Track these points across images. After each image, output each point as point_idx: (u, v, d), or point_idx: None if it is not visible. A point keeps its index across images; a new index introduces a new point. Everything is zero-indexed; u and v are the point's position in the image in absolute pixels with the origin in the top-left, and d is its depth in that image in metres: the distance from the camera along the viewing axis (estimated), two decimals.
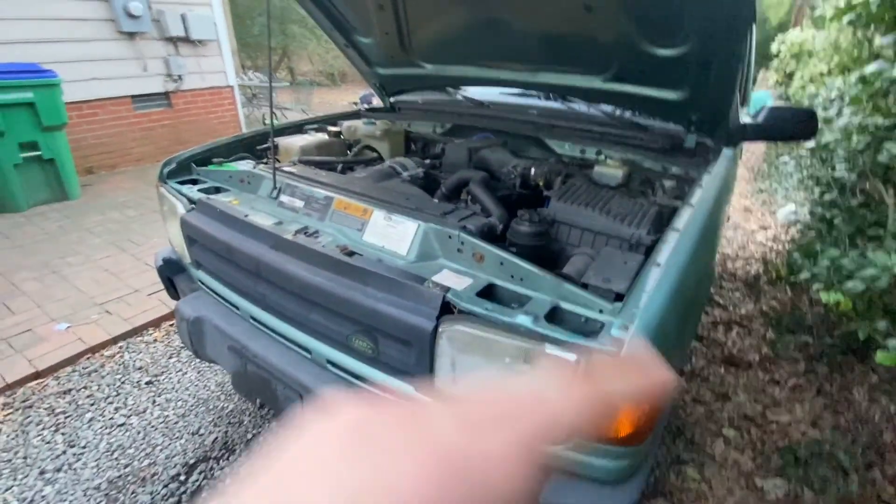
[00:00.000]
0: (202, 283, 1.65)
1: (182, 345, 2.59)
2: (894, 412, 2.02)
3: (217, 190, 1.76)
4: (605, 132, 1.98)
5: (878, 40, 2.21)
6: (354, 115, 2.67)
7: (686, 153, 1.83)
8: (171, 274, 1.80)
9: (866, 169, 2.30)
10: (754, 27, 2.65)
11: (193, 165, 1.89)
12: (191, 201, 1.63)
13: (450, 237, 1.18)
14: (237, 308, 1.49)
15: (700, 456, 2.02)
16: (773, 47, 9.05)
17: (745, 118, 2.10)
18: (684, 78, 1.62)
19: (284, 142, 1.98)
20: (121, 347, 2.59)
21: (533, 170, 1.77)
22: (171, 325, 2.78)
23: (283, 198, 1.51)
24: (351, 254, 1.21)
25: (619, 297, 0.99)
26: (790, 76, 7.88)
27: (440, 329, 0.99)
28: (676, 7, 1.38)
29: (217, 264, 1.50)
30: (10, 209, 4.18)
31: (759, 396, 2.37)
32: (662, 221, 1.37)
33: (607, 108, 2.06)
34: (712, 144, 1.81)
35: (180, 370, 2.45)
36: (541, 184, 1.75)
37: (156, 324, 2.77)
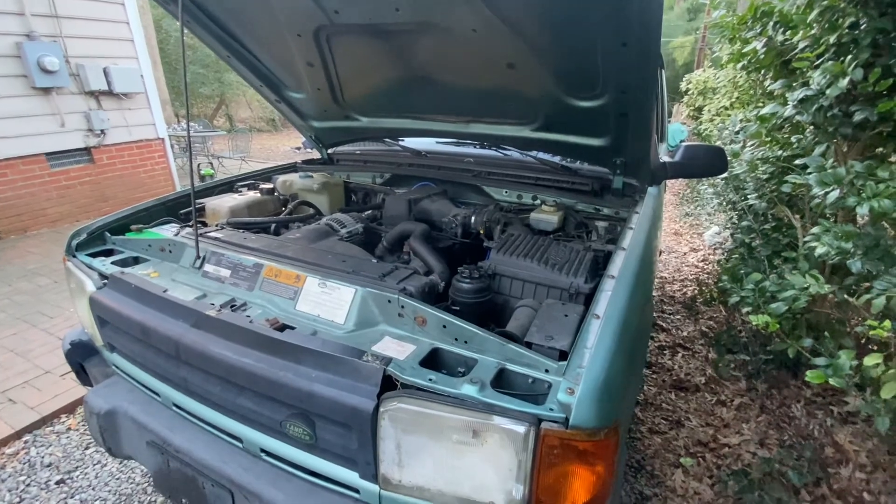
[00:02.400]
0: (116, 368, 1.47)
1: None
2: (831, 425, 2.13)
3: (135, 261, 1.62)
4: (538, 177, 2.05)
5: (768, 83, 2.48)
6: (290, 167, 2.60)
7: (615, 194, 1.92)
8: (82, 358, 1.60)
9: (773, 197, 2.52)
10: (663, 71, 2.91)
11: (108, 234, 1.73)
12: (102, 276, 1.47)
13: (389, 301, 1.13)
14: (157, 395, 1.33)
15: (662, 490, 2.01)
16: (682, 85, 10.08)
17: (664, 156, 2.25)
18: (606, 126, 1.71)
19: (211, 203, 1.87)
20: (26, 442, 2.25)
21: (473, 218, 1.78)
22: None
23: (208, 267, 1.40)
24: (283, 328, 1.12)
25: (563, 355, 0.97)
26: (699, 110, 8.73)
27: (381, 408, 0.91)
28: (591, 65, 1.46)
29: (133, 347, 1.35)
30: None
31: (709, 419, 2.43)
32: (598, 266, 1.40)
33: (539, 153, 2.14)
34: (637, 184, 1.91)
35: (98, 462, 2.15)
36: (481, 232, 1.76)
37: (69, 409, 2.45)
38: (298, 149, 14.65)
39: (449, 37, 1.53)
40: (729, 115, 6.20)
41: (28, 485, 2.02)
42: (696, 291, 3.94)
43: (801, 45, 2.07)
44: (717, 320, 3.43)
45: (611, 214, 1.82)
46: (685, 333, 3.29)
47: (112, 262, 1.56)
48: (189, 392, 1.23)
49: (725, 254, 3.88)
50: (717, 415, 2.45)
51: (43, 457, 2.17)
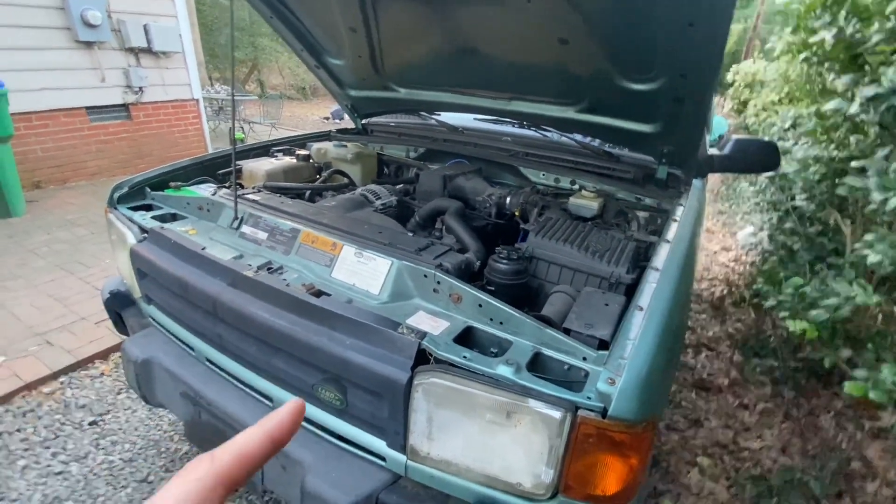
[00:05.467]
0: (153, 320, 1.51)
1: None
2: (861, 439, 2.06)
3: (173, 217, 1.64)
4: (578, 161, 1.99)
5: (831, 78, 2.33)
6: (324, 136, 2.59)
7: (658, 184, 1.85)
8: (120, 308, 1.65)
9: (823, 199, 2.39)
10: None
11: (148, 190, 1.76)
12: (143, 230, 1.50)
13: (425, 276, 1.12)
14: (191, 349, 1.37)
15: (676, 487, 2.00)
16: (729, 76, 9.59)
17: (710, 149, 2.15)
18: (657, 112, 1.63)
19: (249, 166, 1.87)
20: (62, 383, 2.36)
21: (509, 199, 1.74)
22: (121, 358, 2.57)
23: (245, 228, 1.41)
24: (318, 293, 1.13)
25: (602, 344, 0.95)
26: (745, 104, 8.33)
27: (415, 381, 0.91)
28: (650, 45, 1.39)
29: (170, 301, 1.38)
30: None
31: (729, 422, 2.39)
32: (640, 257, 1.35)
33: (580, 137, 2.07)
34: (682, 176, 1.84)
35: (129, 408, 2.25)
36: (517, 214, 1.72)
37: (103, 356, 2.56)
38: (327, 118, 14.67)
39: (501, 6, 1.47)
40: (777, 111, 5.90)
41: (63, 423, 2.13)
42: (724, 292, 3.83)
43: (874, 39, 1.92)
44: (746, 323, 3.33)
45: (652, 205, 1.76)
46: (710, 333, 3.21)
47: (152, 217, 1.59)
48: (223, 349, 1.25)
49: (761, 255, 3.74)
50: (739, 418, 2.40)
51: (77, 398, 2.28)
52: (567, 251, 1.26)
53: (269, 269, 1.24)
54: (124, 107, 5.52)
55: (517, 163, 2.05)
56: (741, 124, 7.61)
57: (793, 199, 2.58)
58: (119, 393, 2.34)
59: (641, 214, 1.73)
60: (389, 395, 0.95)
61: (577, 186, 1.89)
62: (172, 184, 1.81)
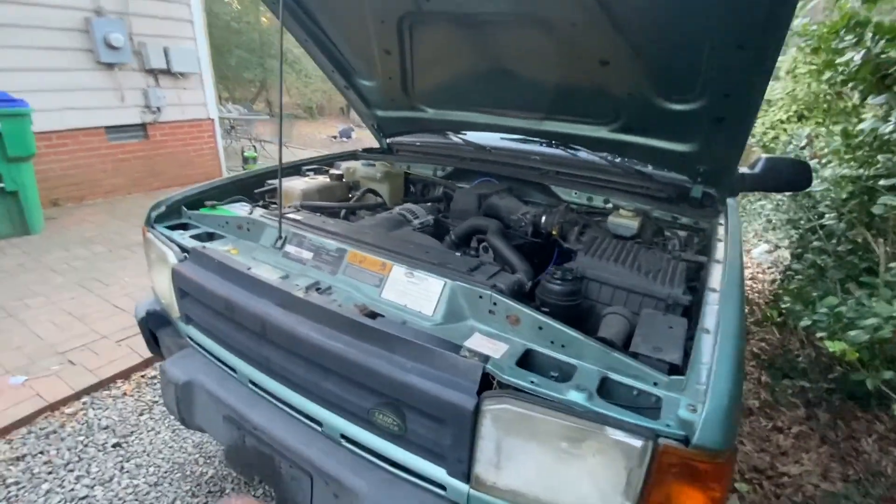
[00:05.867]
0: (191, 340, 1.50)
1: (160, 405, 2.37)
2: None
3: (210, 236, 1.64)
4: (610, 180, 1.99)
5: (855, 97, 2.34)
6: (351, 155, 2.61)
7: (692, 203, 1.84)
8: (155, 327, 1.63)
9: (853, 218, 2.38)
10: None
11: (184, 209, 1.76)
12: (183, 249, 1.50)
13: (480, 297, 1.10)
14: (234, 370, 1.34)
15: None
16: None
17: (741, 167, 2.15)
18: (694, 131, 1.63)
19: (284, 185, 1.88)
20: (84, 403, 2.33)
21: (545, 218, 1.73)
22: (143, 377, 2.55)
23: (289, 248, 1.40)
24: (373, 315, 1.11)
25: (672, 369, 0.93)
26: None
27: (483, 407, 0.89)
28: (694, 67, 1.39)
29: (212, 321, 1.36)
30: None
31: (765, 445, 2.33)
32: (690, 278, 1.34)
33: (611, 156, 2.07)
34: (717, 194, 1.83)
35: (152, 429, 2.21)
36: (554, 233, 1.71)
37: (125, 375, 2.53)
38: (335, 137, 14.89)
39: (543, 30, 1.49)
40: (785, 129, 5.93)
41: (86, 445, 2.09)
42: (746, 310, 3.78)
43: None
44: (770, 342, 3.28)
45: (689, 224, 1.75)
46: None
47: (190, 237, 1.58)
48: (269, 371, 1.23)
49: (783, 274, 3.71)
50: (774, 441, 2.34)
51: (100, 419, 2.25)
52: (620, 271, 1.24)
53: (317, 289, 1.23)
54: (142, 126, 5.60)
55: (548, 181, 2.05)
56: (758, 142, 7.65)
57: (820, 217, 2.57)
58: (142, 414, 2.30)
59: (681, 234, 1.71)
60: (453, 421, 0.92)
61: (610, 205, 1.88)
62: (208, 203, 1.82)
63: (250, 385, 1.30)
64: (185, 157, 6.16)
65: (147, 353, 2.60)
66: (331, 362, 1.07)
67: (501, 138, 2.45)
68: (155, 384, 2.51)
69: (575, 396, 0.86)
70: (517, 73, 1.79)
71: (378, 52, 1.98)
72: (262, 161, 7.85)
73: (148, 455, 2.06)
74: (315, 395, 1.14)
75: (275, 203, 1.89)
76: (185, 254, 1.47)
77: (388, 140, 2.67)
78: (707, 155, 1.70)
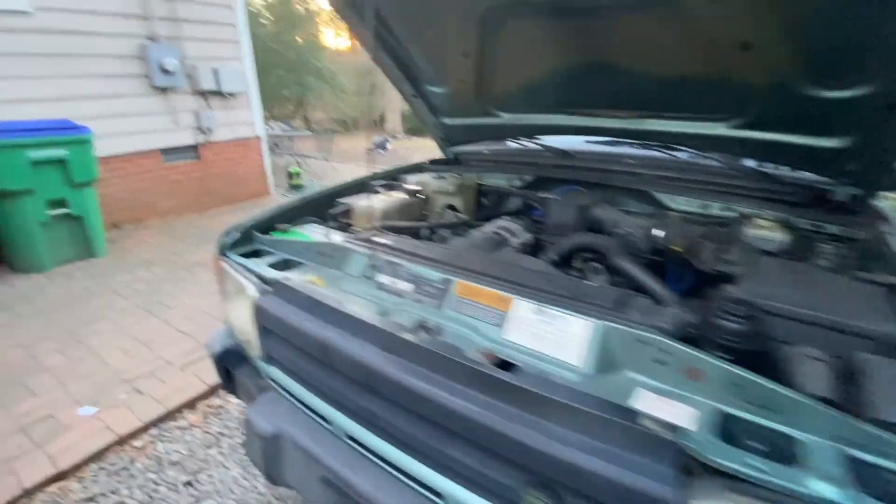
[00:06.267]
0: (274, 382, 1.34)
1: (227, 436, 2.26)
2: None
3: (286, 264, 1.49)
4: (724, 183, 1.72)
5: None
6: (417, 168, 2.45)
7: (833, 208, 1.55)
8: (232, 366, 1.50)
9: None
10: None
11: (255, 234, 1.63)
12: (263, 280, 1.35)
13: (643, 342, 0.87)
14: (327, 422, 1.17)
15: None
16: None
17: None
18: (850, 123, 1.35)
19: (360, 204, 1.72)
20: (153, 436, 2.25)
21: (664, 231, 1.49)
22: (209, 407, 2.45)
23: (383, 278, 1.22)
24: (504, 365, 0.91)
25: None
26: None
27: (695, 502, 0.66)
28: (866, 40, 1.13)
29: (301, 363, 1.20)
30: (34, 269, 3.97)
31: None
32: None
33: (722, 156, 1.80)
34: (865, 196, 1.53)
35: (221, 464, 2.09)
36: (679, 249, 1.46)
37: (191, 405, 2.44)
38: (370, 149, 15.01)
39: (672, 12, 1.26)
40: None
41: (157, 484, 1.99)
42: None
43: None
44: None
45: (839, 234, 1.46)
46: None
47: (268, 265, 1.44)
48: (374, 427, 1.05)
49: None
50: None
51: (169, 454, 2.15)
52: (810, 301, 0.98)
53: (425, 328, 1.04)
54: (194, 147, 5.71)
55: (650, 187, 1.80)
56: None
57: None
58: (210, 447, 2.19)
59: (836, 248, 1.43)
60: None
61: (731, 213, 1.61)
62: (279, 226, 1.69)
63: (349, 440, 1.13)
64: (234, 176, 6.24)
65: (211, 380, 2.53)
66: (458, 425, 0.87)
67: (585, 142, 2.23)
68: (221, 414, 2.41)
69: (825, 490, 0.62)
70: (619, 66, 1.57)
71: (454, 54, 1.80)
72: (306, 176, 7.90)
73: (220, 495, 1.93)
74: (436, 461, 0.95)
75: (350, 224, 1.74)
76: (267, 286, 1.33)
77: (454, 150, 2.49)
78: (865, 151, 1.40)
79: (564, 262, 1.52)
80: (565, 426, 0.78)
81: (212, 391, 2.52)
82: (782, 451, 0.71)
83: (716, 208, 1.67)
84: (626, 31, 1.42)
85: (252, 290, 1.33)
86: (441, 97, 2.12)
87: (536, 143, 2.23)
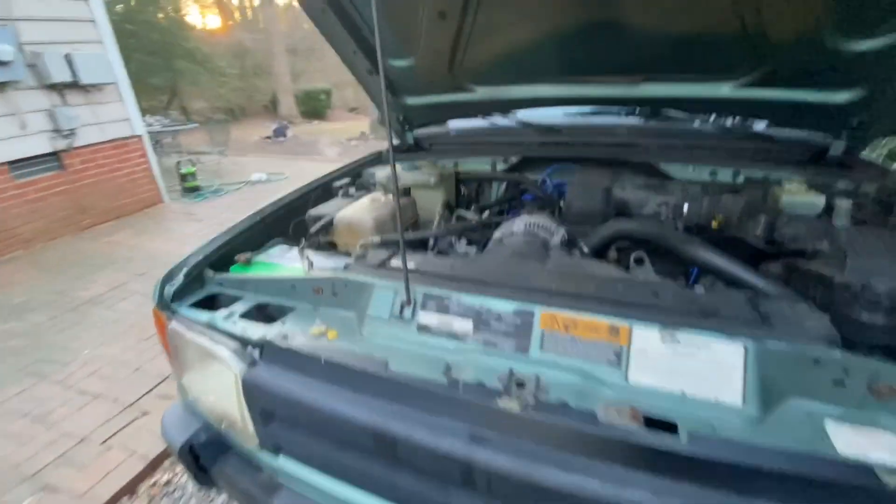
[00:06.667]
0: (288, 477, 0.99)
1: None
2: None
3: (262, 312, 1.11)
4: (728, 147, 1.65)
5: None
6: (376, 159, 2.09)
7: (827, 161, 1.54)
8: (209, 460, 1.09)
9: None
10: None
11: (208, 272, 1.21)
12: (245, 343, 0.97)
13: (817, 361, 0.70)
14: None
15: None
16: None
17: None
18: (865, 75, 1.30)
19: (344, 216, 1.36)
20: None
21: (699, 206, 1.36)
22: (154, 486, 1.95)
23: (425, 318, 0.92)
24: (665, 425, 0.68)
25: None
26: None
27: None
28: None
29: (339, 457, 0.87)
30: None
31: None
32: None
33: (715, 118, 1.73)
34: (854, 147, 1.54)
35: None
36: (715, 225, 1.34)
37: (130, 489, 1.92)
38: (269, 137, 13.68)
39: None
40: None
41: None
42: None
43: None
44: None
45: (849, 189, 1.44)
46: None
47: (241, 316, 1.05)
48: None
49: None
50: None
51: None
52: None
53: (518, 384, 0.77)
54: (54, 155, 4.59)
55: (654, 158, 1.67)
56: None
57: None
58: None
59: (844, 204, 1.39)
60: None
61: (742, 178, 1.54)
62: (238, 257, 1.28)
63: None
64: (113, 185, 5.18)
65: (149, 449, 2.02)
66: None
67: (564, 114, 2.04)
68: (173, 491, 1.92)
69: None
70: (619, 23, 1.38)
71: (429, 17, 1.47)
72: (203, 176, 6.89)
73: None
74: None
75: (333, 241, 1.38)
76: (253, 351, 0.95)
77: (413, 134, 2.16)
78: (872, 102, 1.37)
79: (598, 254, 1.32)
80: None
81: (153, 466, 2.00)
82: None
83: (727, 174, 1.59)
84: None
85: (233, 360, 0.94)
86: (404, 72, 1.78)
87: (506, 119, 2.00)
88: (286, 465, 0.97)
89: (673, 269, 1.25)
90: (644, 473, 0.64)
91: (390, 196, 1.49)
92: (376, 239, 1.25)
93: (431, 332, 0.91)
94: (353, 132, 14.15)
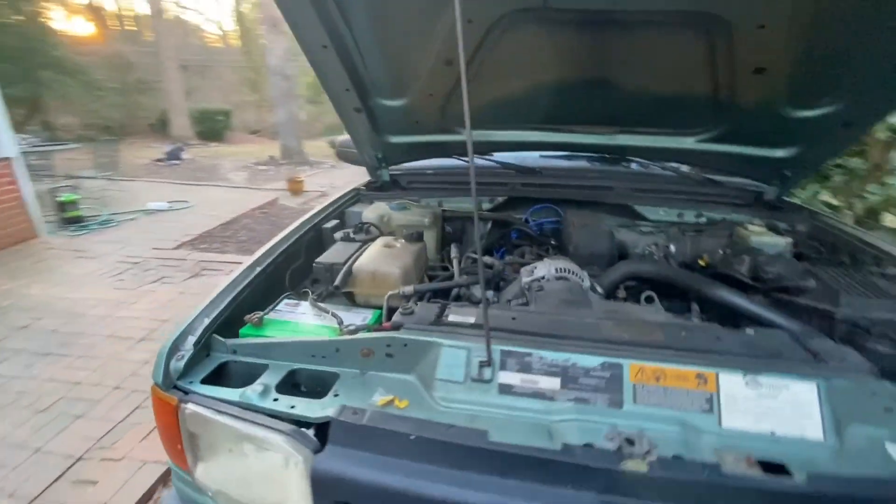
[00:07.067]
0: None
1: None
2: None
3: (289, 380, 0.98)
4: (683, 191, 1.89)
5: None
6: (353, 198, 1.99)
7: (765, 205, 1.84)
8: None
9: None
10: None
11: (216, 339, 1.04)
12: (298, 424, 0.85)
13: (874, 394, 0.81)
14: None
15: None
16: None
17: None
18: (804, 136, 1.58)
19: (366, 265, 1.26)
20: None
21: (686, 246, 1.51)
22: None
23: (507, 377, 0.89)
24: (776, 467, 0.73)
25: None
26: None
27: None
28: (845, 68, 1.31)
29: None
30: None
31: None
32: None
33: (676, 166, 1.96)
34: (782, 193, 1.86)
35: None
36: (703, 263, 1.50)
37: None
38: (160, 160, 12.28)
39: (698, 33, 1.25)
40: None
41: None
42: None
43: None
44: None
45: (787, 228, 1.73)
46: None
47: (277, 393, 0.92)
48: None
49: None
50: None
51: None
52: None
53: (628, 441, 0.78)
54: None
55: (628, 200, 1.83)
56: None
57: None
58: None
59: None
60: None
61: (704, 219, 1.77)
62: (249, 317, 1.12)
63: None
64: None
65: None
66: None
67: (541, 157, 2.15)
68: None
69: None
70: (609, 83, 1.52)
71: (433, 63, 1.48)
72: (86, 205, 5.93)
73: None
74: None
75: (352, 292, 1.27)
76: (310, 433, 0.83)
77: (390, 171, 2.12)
78: (804, 158, 1.67)
79: (610, 294, 1.40)
80: None
81: None
82: None
83: (690, 216, 1.80)
84: (627, 48, 1.36)
85: (291, 445, 0.81)
86: (393, 111, 1.74)
87: (491, 160, 2.06)
88: None
89: (678, 306, 1.36)
90: None
91: (403, 241, 1.43)
92: (408, 290, 1.18)
93: (515, 394, 0.88)
94: (259, 156, 13.33)
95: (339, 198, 1.94)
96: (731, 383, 0.84)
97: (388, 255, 1.30)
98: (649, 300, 1.32)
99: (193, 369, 0.99)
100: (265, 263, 1.29)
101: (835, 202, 3.03)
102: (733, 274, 1.39)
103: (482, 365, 0.89)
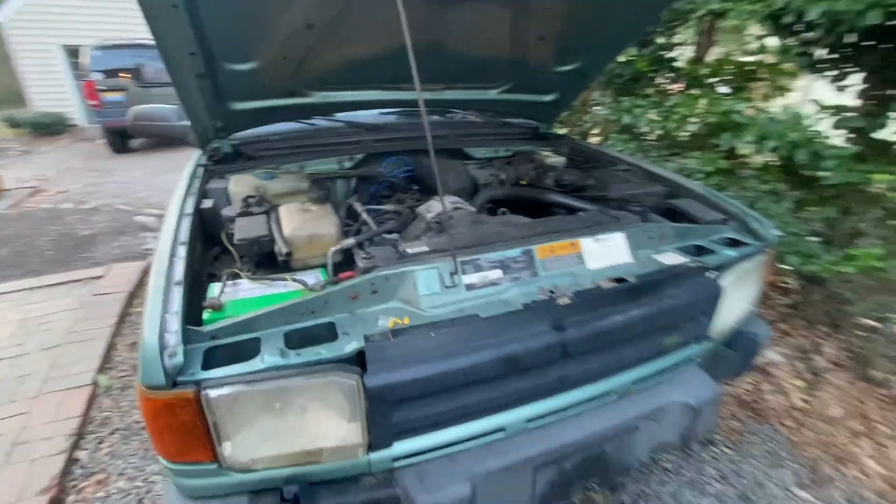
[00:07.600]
0: (397, 461, 1.09)
1: None
2: None
3: (305, 341, 1.08)
4: (494, 132, 2.45)
5: None
6: (207, 175, 1.82)
7: (542, 138, 2.58)
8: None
9: None
10: None
11: (193, 329, 1.03)
12: (336, 361, 0.99)
13: (649, 236, 1.47)
14: (502, 429, 1.16)
15: None
16: None
17: None
18: (561, 85, 2.28)
19: (301, 231, 1.32)
20: None
21: (514, 171, 2.07)
22: None
23: (471, 278, 1.21)
24: (621, 280, 1.30)
25: None
26: None
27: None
28: (593, 35, 1.97)
29: (459, 401, 1.09)
30: None
31: None
32: None
33: (480, 114, 2.49)
34: (548, 128, 2.64)
35: None
36: (525, 182, 2.07)
37: None
38: None
39: (515, 7, 1.69)
40: None
41: None
42: None
43: None
44: None
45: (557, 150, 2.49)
46: None
47: (288, 347, 1.01)
48: (562, 387, 1.19)
49: None
50: None
51: None
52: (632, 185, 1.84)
53: (551, 291, 1.23)
54: None
55: (461, 144, 2.28)
56: None
57: None
58: None
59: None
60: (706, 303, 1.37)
61: (510, 153, 2.37)
62: (208, 304, 1.11)
63: (529, 425, 1.19)
64: None
65: None
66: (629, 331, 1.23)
67: (379, 114, 2.36)
68: None
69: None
70: (448, 47, 1.86)
71: (295, 26, 1.52)
72: None
73: None
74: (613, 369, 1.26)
75: (289, 256, 1.33)
76: (343, 362, 1.00)
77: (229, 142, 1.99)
78: (559, 101, 2.41)
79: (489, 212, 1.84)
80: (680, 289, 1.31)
81: None
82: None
83: (502, 151, 2.38)
84: (472, 17, 1.72)
85: (342, 377, 0.97)
86: (240, 76, 1.66)
87: (335, 121, 2.17)
88: (402, 447, 1.08)
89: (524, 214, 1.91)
90: (628, 301, 1.24)
91: (312, 204, 1.51)
92: (349, 242, 1.33)
93: (477, 287, 1.21)
94: None
95: (191, 178, 1.75)
96: (587, 244, 1.37)
97: (316, 218, 1.39)
98: (503, 213, 1.81)
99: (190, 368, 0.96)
100: (180, 255, 1.21)
101: (561, 130, 4.23)
102: (545, 185, 2.01)
103: (452, 274, 1.19)
